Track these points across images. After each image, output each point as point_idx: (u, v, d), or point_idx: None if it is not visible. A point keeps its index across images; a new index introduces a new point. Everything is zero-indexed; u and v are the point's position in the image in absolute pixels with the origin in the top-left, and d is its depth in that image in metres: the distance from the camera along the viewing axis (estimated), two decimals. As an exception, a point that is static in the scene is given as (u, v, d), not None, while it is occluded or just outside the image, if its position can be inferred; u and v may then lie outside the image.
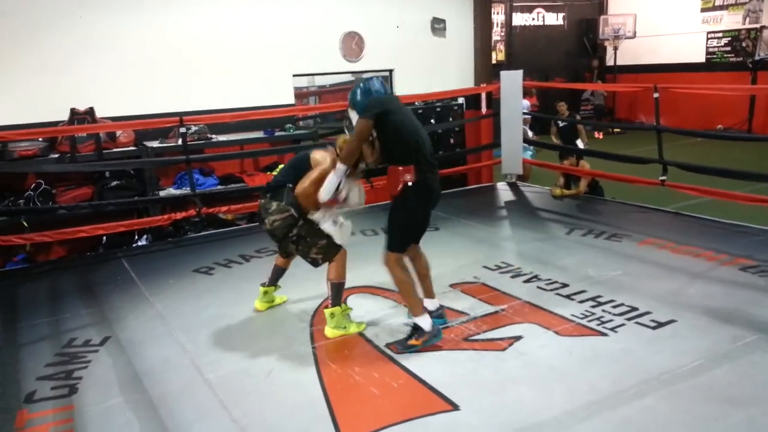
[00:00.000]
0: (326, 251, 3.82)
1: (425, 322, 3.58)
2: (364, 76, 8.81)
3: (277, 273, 4.30)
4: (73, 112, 6.10)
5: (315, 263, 3.90)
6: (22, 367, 3.68)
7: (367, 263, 4.82)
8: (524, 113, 8.70)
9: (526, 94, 8.52)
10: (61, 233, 5.74)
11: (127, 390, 3.36)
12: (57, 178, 6.20)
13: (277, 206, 3.75)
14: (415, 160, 3.48)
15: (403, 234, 3.61)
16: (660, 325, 3.82)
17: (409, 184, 3.48)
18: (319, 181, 3.69)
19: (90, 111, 6.15)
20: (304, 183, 3.76)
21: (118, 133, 6.27)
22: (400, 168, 3.49)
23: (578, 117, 9.50)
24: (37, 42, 6.14)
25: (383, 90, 3.67)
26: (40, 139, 5.89)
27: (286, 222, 3.77)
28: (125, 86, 6.54)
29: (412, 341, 3.59)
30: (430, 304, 3.82)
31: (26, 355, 3.83)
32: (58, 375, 3.55)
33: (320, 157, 3.84)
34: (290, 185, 3.79)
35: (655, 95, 6.44)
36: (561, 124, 8.29)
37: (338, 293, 3.85)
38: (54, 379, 3.51)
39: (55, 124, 6.02)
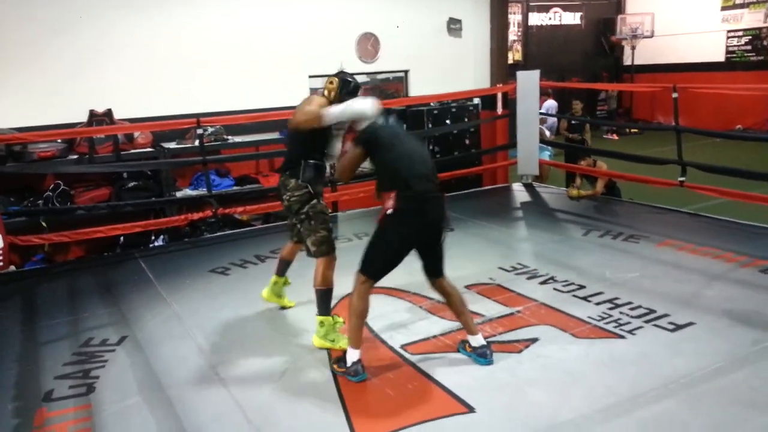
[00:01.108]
0: (320, 243, 3.74)
1: (351, 357, 3.36)
2: (380, 77, 8.83)
3: (283, 264, 4.28)
4: (92, 113, 6.17)
5: (309, 252, 3.84)
6: (41, 365, 3.72)
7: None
8: (546, 114, 8.66)
9: (543, 94, 8.46)
10: (80, 233, 5.80)
11: (144, 389, 3.39)
12: (75, 179, 6.27)
13: (294, 183, 3.75)
14: (399, 187, 3.24)
15: (377, 262, 3.35)
16: (679, 327, 3.77)
17: (388, 212, 3.25)
18: (308, 111, 3.66)
19: (108, 112, 6.22)
20: (296, 116, 3.71)
21: (136, 134, 6.34)
22: (384, 194, 3.30)
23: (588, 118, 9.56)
24: (56, 44, 6.22)
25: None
26: (59, 141, 5.96)
27: (302, 198, 3.75)
28: (143, 88, 6.60)
29: (335, 366, 3.47)
30: (473, 340, 3.50)
31: (45, 354, 3.88)
32: (76, 374, 3.59)
33: (299, 115, 3.72)
34: (307, 160, 3.74)
35: (674, 95, 6.37)
36: (573, 121, 8.43)
37: (325, 301, 3.76)
38: (72, 378, 3.55)
39: (74, 125, 6.09)
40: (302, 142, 3.77)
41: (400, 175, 3.26)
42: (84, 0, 6.28)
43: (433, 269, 3.47)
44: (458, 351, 3.59)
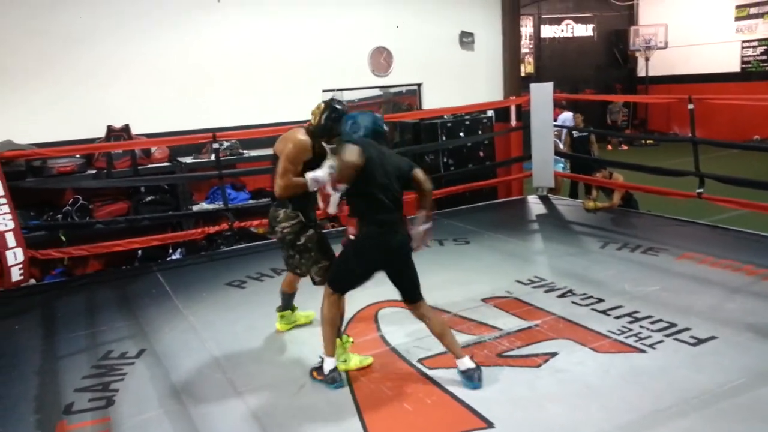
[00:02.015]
0: (325, 272, 3.70)
1: (327, 365, 3.45)
2: (393, 90, 8.87)
3: (286, 298, 4.19)
4: (110, 129, 6.24)
5: (314, 281, 3.80)
6: (61, 378, 3.75)
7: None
8: (562, 126, 8.65)
9: (558, 106, 8.46)
10: (98, 247, 5.86)
11: (162, 402, 3.40)
12: (94, 194, 6.34)
13: (284, 214, 3.66)
14: (363, 214, 3.31)
15: (342, 279, 3.45)
16: (700, 341, 3.73)
17: (351, 237, 3.37)
18: (285, 170, 3.51)
19: (126, 128, 6.30)
20: (277, 181, 3.53)
21: (153, 149, 6.41)
22: (350, 219, 3.40)
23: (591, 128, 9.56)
24: (75, 61, 6.32)
25: (371, 128, 3.37)
26: (78, 156, 6.05)
27: (295, 228, 3.66)
28: (160, 103, 6.69)
29: (314, 373, 3.52)
30: (460, 364, 3.40)
31: (64, 367, 3.91)
32: (95, 387, 3.61)
33: (281, 145, 3.64)
34: None
35: (690, 107, 6.33)
36: (575, 134, 8.43)
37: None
38: (91, 390, 3.57)
39: (93, 141, 6.18)
40: None
41: (373, 204, 3.25)
42: (101, 17, 6.39)
43: (406, 294, 3.46)
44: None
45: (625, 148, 14.56)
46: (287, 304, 4.23)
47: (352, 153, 3.15)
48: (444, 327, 3.50)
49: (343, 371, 3.57)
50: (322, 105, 3.64)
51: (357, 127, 3.34)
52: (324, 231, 3.81)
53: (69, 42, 6.28)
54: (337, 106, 3.62)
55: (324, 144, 3.62)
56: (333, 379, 3.44)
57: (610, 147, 14.50)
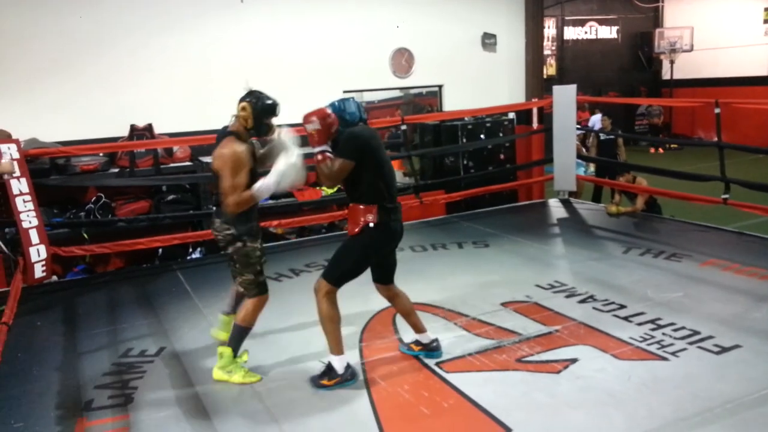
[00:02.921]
0: (247, 287, 3.60)
1: (339, 364, 3.40)
2: (413, 91, 8.86)
3: (237, 300, 3.96)
4: (133, 128, 6.32)
5: (244, 292, 3.68)
6: (82, 375, 3.79)
7: (416, 280, 4.81)
8: (585, 129, 8.57)
9: (579, 109, 8.39)
10: (120, 245, 5.92)
11: (181, 401, 3.41)
12: (116, 192, 6.42)
13: (218, 223, 3.57)
14: (380, 200, 3.33)
15: (346, 271, 3.39)
16: (724, 350, 3.65)
17: (370, 225, 3.31)
18: (234, 186, 3.31)
19: (149, 127, 6.36)
20: (227, 200, 3.35)
21: (175, 148, 6.47)
22: (362, 207, 3.32)
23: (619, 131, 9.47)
24: (100, 61, 6.41)
25: (358, 114, 3.36)
26: (101, 154, 6.12)
27: (226, 239, 3.56)
28: (182, 103, 6.75)
29: (324, 381, 3.43)
30: (424, 337, 3.69)
31: (85, 364, 3.95)
32: (115, 384, 3.64)
33: (218, 162, 3.39)
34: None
35: (717, 110, 6.22)
36: (602, 137, 8.36)
37: (239, 337, 3.60)
38: (111, 388, 3.60)
39: (116, 139, 6.26)
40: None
41: (388, 188, 3.37)
42: (125, 17, 6.47)
43: (387, 276, 3.62)
44: (403, 353, 3.75)
45: (661, 151, 14.38)
46: (234, 308, 3.99)
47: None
48: (410, 303, 3.70)
49: (223, 381, 3.53)
50: (245, 104, 3.42)
51: (353, 116, 3.37)
52: (258, 246, 3.62)
53: (93, 42, 6.37)
54: (268, 102, 3.46)
55: (254, 141, 3.54)
56: (351, 375, 3.44)
57: (653, 150, 14.29)
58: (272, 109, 3.48)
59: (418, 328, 3.68)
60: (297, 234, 7.11)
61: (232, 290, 3.95)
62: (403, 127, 7.16)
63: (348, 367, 3.45)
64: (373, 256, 3.44)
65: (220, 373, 3.59)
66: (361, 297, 4.40)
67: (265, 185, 3.32)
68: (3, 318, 4.13)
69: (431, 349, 3.67)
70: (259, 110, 3.43)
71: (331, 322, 3.39)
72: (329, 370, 3.45)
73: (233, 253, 3.58)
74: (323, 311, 3.38)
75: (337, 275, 3.39)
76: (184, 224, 6.64)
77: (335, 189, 6.66)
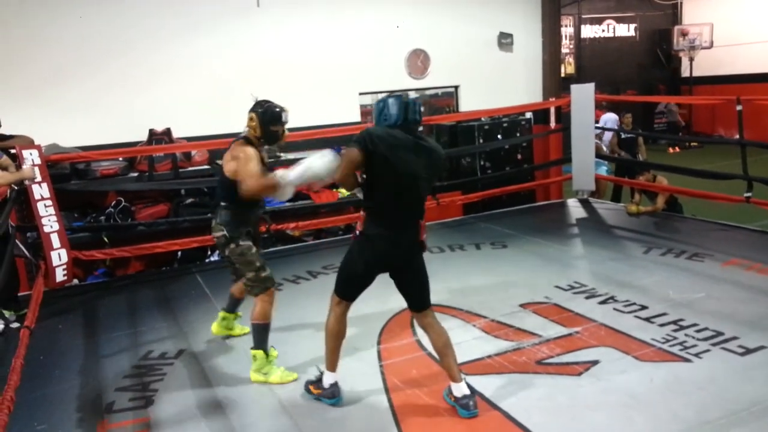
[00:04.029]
0: (252, 285, 3.63)
1: (326, 380, 3.31)
2: (428, 92, 8.83)
3: (232, 301, 4.18)
4: (152, 132, 6.37)
5: (248, 292, 3.73)
6: (103, 377, 3.82)
7: (434, 281, 4.74)
8: (603, 128, 8.48)
9: (598, 107, 8.30)
10: (140, 248, 5.97)
11: (201, 403, 3.43)
12: (136, 196, 6.47)
13: (214, 224, 3.66)
14: (377, 210, 3.05)
15: (343, 280, 3.21)
16: (749, 351, 3.59)
17: (357, 232, 3.10)
18: (258, 170, 3.41)
19: (167, 131, 6.41)
20: (248, 180, 3.39)
21: (193, 152, 6.51)
22: (361, 211, 3.14)
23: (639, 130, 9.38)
24: (118, 66, 6.47)
25: (396, 116, 3.02)
26: (121, 159, 6.18)
27: (220, 241, 3.62)
28: (200, 107, 6.79)
29: (311, 387, 3.38)
30: (456, 389, 3.14)
31: (106, 367, 3.98)
32: (135, 386, 3.67)
33: (233, 164, 3.51)
34: (222, 203, 3.64)
35: (739, 108, 6.12)
36: (623, 135, 8.28)
37: (261, 335, 3.63)
38: (132, 390, 3.62)
39: (135, 144, 6.31)
40: (222, 185, 3.66)
41: (393, 205, 3.03)
42: (144, 22, 6.53)
43: (410, 302, 3.22)
44: (444, 397, 3.26)
45: (678, 150, 14.20)
46: (231, 307, 4.22)
47: (350, 148, 2.97)
48: (449, 345, 3.17)
49: (262, 383, 3.55)
50: (252, 114, 3.54)
51: (390, 117, 3.02)
52: (254, 247, 3.69)
53: (112, 47, 6.43)
54: (273, 110, 3.54)
55: (264, 149, 3.66)
56: (332, 394, 3.30)
57: (671, 150, 14.12)
58: (278, 117, 3.56)
59: (452, 376, 3.16)
60: (314, 236, 7.12)
61: (231, 290, 4.14)
62: (420, 128, 7.14)
63: (333, 385, 3.30)
64: (361, 268, 3.13)
65: (257, 375, 3.63)
66: (379, 298, 4.37)
67: (291, 173, 3.22)
68: (25, 321, 4.18)
69: (462, 406, 3.11)
70: (265, 119, 3.53)
71: (331, 336, 3.24)
72: (318, 380, 3.37)
73: (230, 255, 3.66)
74: (327, 324, 3.25)
75: (339, 285, 3.22)
76: (203, 227, 6.64)
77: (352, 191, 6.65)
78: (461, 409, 3.11)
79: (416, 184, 3.03)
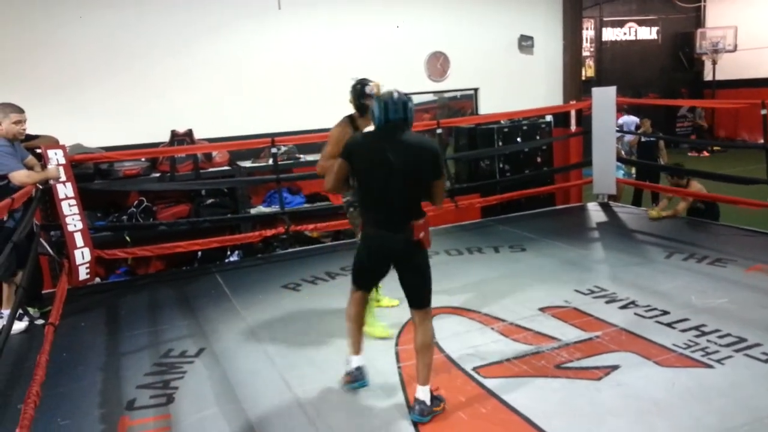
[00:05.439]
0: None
1: (353, 364, 3.46)
2: (447, 95, 8.82)
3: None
4: (174, 133, 6.44)
5: None
6: (124, 375, 3.87)
7: (452, 284, 4.77)
8: (623, 131, 8.39)
9: (618, 111, 8.22)
10: (162, 248, 6.04)
11: (220, 401, 3.46)
12: (157, 196, 6.56)
13: (349, 214, 4.17)
14: (363, 208, 3.32)
15: (353, 269, 3.42)
16: (773, 358, 3.53)
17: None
18: (326, 154, 3.95)
19: (189, 133, 6.48)
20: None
21: (214, 153, 6.57)
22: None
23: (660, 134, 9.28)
24: (142, 69, 6.56)
25: (379, 117, 3.07)
26: (143, 159, 6.26)
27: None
28: (221, 109, 6.86)
29: (343, 379, 3.50)
30: (420, 391, 3.13)
31: (127, 364, 4.03)
32: (156, 384, 3.71)
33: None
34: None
35: (764, 111, 6.04)
36: (643, 139, 8.24)
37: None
38: (153, 387, 3.66)
39: (157, 145, 6.38)
40: None
41: (367, 208, 3.26)
42: (166, 24, 6.62)
43: (407, 297, 3.22)
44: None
45: (706, 154, 14.06)
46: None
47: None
48: (427, 347, 3.14)
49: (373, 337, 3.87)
50: (350, 91, 4.01)
51: (375, 119, 3.10)
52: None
53: (135, 50, 6.52)
54: (357, 85, 3.99)
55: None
56: (356, 378, 3.44)
57: (693, 153, 13.98)
58: (363, 90, 3.98)
59: (420, 377, 3.14)
60: (332, 237, 7.15)
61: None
62: (439, 131, 7.14)
63: (359, 369, 3.46)
64: (360, 262, 3.34)
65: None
66: (399, 299, 4.39)
67: None
68: (50, 318, 4.25)
69: (417, 411, 3.11)
70: (356, 94, 4.01)
71: (348, 319, 3.45)
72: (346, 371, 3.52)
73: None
74: (346, 308, 3.47)
75: (352, 274, 3.45)
76: (223, 228, 6.73)
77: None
78: (414, 414, 3.11)
79: (392, 179, 3.01)
